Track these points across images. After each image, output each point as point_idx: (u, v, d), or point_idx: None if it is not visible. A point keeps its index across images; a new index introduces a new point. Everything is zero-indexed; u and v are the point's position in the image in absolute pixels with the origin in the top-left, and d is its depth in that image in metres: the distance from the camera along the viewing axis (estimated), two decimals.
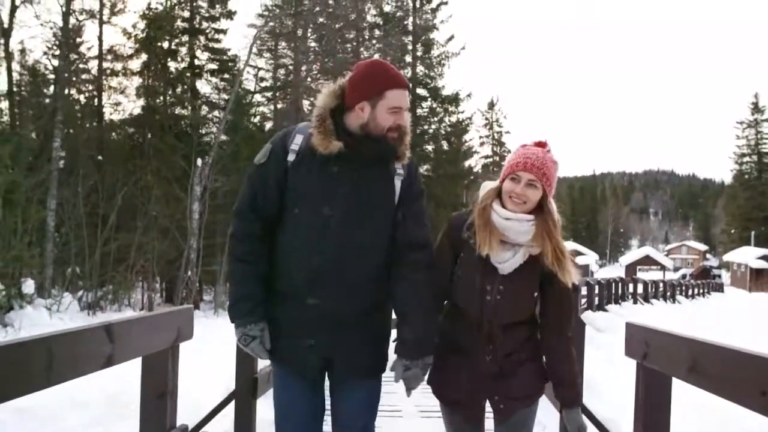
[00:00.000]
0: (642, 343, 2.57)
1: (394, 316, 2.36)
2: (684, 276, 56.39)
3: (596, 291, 16.22)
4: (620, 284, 19.79)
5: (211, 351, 6.50)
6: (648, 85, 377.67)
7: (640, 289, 22.71)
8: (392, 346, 2.34)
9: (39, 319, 12.06)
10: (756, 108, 63.72)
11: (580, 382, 2.26)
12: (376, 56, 31.68)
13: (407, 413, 5.33)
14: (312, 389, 2.32)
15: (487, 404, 2.39)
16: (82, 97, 24.38)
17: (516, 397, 2.30)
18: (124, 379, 5.12)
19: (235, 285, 2.28)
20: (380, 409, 5.14)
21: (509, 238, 2.20)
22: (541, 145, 2.28)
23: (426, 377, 2.33)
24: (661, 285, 25.59)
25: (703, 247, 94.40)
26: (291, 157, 2.22)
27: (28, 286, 12.38)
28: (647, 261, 72.69)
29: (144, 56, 23.80)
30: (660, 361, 2.42)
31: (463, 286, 2.29)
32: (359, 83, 2.21)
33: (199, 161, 19.50)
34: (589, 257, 64.37)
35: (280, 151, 2.23)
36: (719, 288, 41.04)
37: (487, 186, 2.36)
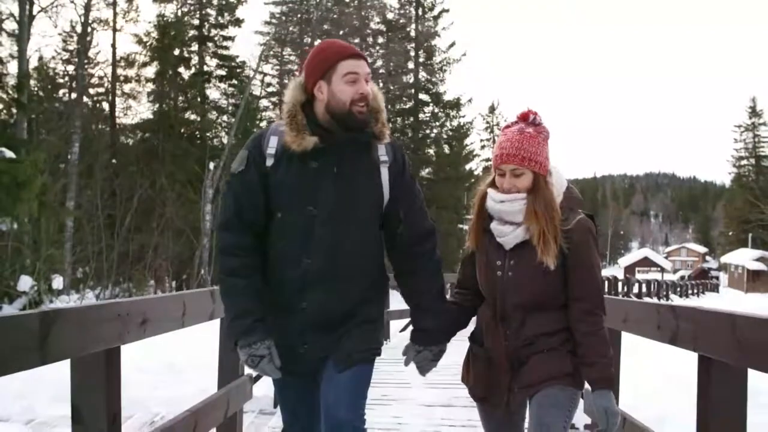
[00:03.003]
0: None
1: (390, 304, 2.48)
2: (682, 277, 57.23)
3: None
4: (614, 282, 20.64)
5: None
6: (649, 88, 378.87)
7: (635, 288, 23.62)
8: (403, 334, 2.52)
9: None
10: (753, 112, 64.38)
11: (607, 362, 2.08)
12: (379, 62, 32.70)
13: (415, 385, 6.15)
14: (312, 385, 2.22)
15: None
16: (92, 102, 25.22)
17: (531, 382, 2.14)
18: (178, 350, 6.06)
19: (232, 300, 2.12)
20: (391, 381, 6.13)
21: (506, 219, 2.17)
22: (524, 117, 2.22)
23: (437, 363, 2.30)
24: (654, 284, 26.46)
25: (702, 249, 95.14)
26: (269, 162, 2.10)
27: (58, 282, 13.30)
28: (646, 262, 73.55)
29: (156, 63, 24.69)
30: (608, 318, 3.27)
31: (479, 268, 2.26)
32: (310, 65, 2.11)
33: (212, 165, 20.41)
34: None
35: (257, 157, 2.11)
36: (714, 288, 41.91)
37: (486, 179, 2.33)
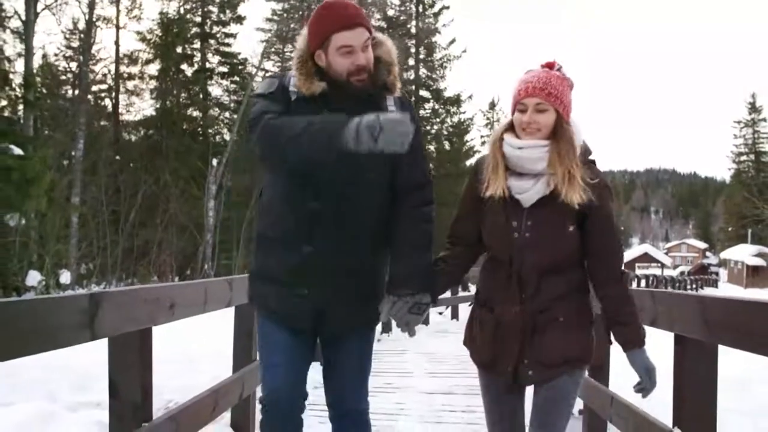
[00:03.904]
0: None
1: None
2: (682, 273, 57.44)
3: None
4: None
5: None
6: (650, 83, 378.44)
7: (633, 284, 23.87)
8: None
9: None
10: (753, 108, 64.43)
11: (639, 320, 2.10)
12: None
13: (417, 374, 6.40)
14: (298, 338, 2.16)
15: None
16: (94, 99, 25.43)
17: (547, 362, 2.07)
18: (192, 341, 6.33)
19: (300, 119, 1.96)
20: (394, 371, 6.33)
21: (525, 168, 2.04)
22: (549, 66, 2.11)
23: (423, 317, 2.17)
24: (652, 280, 26.75)
25: (702, 245, 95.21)
26: (293, 97, 2.09)
27: (65, 277, 13.55)
28: (646, 258, 73.79)
29: (159, 60, 24.92)
30: (597, 306, 3.50)
31: (490, 226, 2.12)
32: (310, 30, 2.09)
33: (215, 161, 20.66)
34: None
35: (284, 88, 2.11)
36: (713, 284, 42.18)
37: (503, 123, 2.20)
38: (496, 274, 2.12)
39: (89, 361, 4.63)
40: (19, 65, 16.67)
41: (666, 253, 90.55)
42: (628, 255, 79.45)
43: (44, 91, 23.95)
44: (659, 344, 2.87)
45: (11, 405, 3.91)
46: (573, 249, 2.07)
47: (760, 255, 52.40)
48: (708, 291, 35.44)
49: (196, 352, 6.13)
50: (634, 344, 2.05)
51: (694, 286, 33.45)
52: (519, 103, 2.04)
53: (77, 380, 5.26)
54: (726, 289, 43.36)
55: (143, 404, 2.37)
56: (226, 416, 3.85)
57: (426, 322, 10.12)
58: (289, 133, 1.92)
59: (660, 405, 3.19)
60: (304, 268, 2.07)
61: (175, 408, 2.72)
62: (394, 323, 2.15)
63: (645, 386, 2.05)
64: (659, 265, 70.94)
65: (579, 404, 4.44)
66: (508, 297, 2.08)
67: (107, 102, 25.78)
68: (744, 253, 54.34)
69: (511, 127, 2.09)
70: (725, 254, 61.70)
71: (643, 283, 25.25)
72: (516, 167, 2.04)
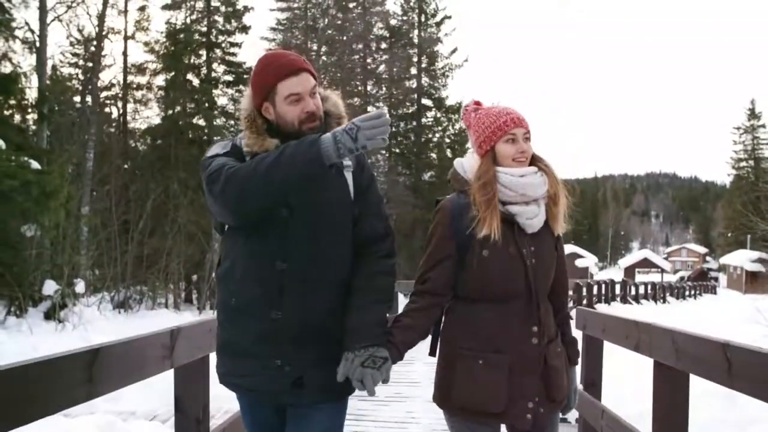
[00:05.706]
0: (583, 319, 4.10)
1: None
2: (682, 278, 57.72)
3: (584, 292, 17.86)
4: (611, 285, 21.28)
5: None
6: (651, 87, 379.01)
7: (632, 291, 24.25)
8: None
9: (91, 315, 13.66)
10: (752, 114, 64.91)
11: None
12: (383, 68, 33.31)
13: (424, 384, 6.82)
14: (279, 416, 2.09)
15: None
16: (100, 109, 25.85)
17: (555, 398, 2.07)
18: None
19: (265, 157, 1.86)
20: (402, 379, 6.77)
21: (527, 195, 2.04)
22: (479, 104, 2.20)
23: (385, 376, 1.93)
24: (650, 287, 27.09)
25: (702, 249, 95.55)
26: (247, 158, 1.97)
27: (80, 286, 13.93)
28: (645, 263, 74.03)
29: (167, 70, 25.36)
30: (591, 329, 3.93)
31: (495, 262, 2.03)
32: (254, 84, 2.03)
33: None
34: (588, 260, 65.62)
35: (238, 149, 2.02)
36: (712, 290, 42.40)
37: (463, 162, 2.21)
38: (504, 311, 2.03)
39: None
40: (32, 78, 17.06)
41: (666, 258, 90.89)
42: (628, 260, 79.72)
43: (53, 99, 24.36)
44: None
45: (77, 416, 4.31)
46: None
47: (759, 261, 52.73)
48: (707, 298, 35.70)
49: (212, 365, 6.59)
50: (575, 363, 2.25)
51: (692, 292, 33.73)
52: (507, 134, 2.05)
53: (113, 393, 5.67)
54: (725, 295, 43.56)
55: (203, 419, 2.79)
56: None
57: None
58: (265, 164, 1.83)
59: (640, 419, 3.63)
60: (273, 335, 1.95)
61: (225, 422, 3.14)
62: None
63: (571, 405, 2.22)
64: (659, 270, 71.16)
65: (575, 413, 4.86)
66: (524, 331, 2.03)
67: (113, 110, 26.21)
68: (743, 259, 54.66)
69: (493, 163, 2.09)
70: (724, 260, 62.02)
71: (641, 290, 25.56)
72: (514, 197, 2.05)
